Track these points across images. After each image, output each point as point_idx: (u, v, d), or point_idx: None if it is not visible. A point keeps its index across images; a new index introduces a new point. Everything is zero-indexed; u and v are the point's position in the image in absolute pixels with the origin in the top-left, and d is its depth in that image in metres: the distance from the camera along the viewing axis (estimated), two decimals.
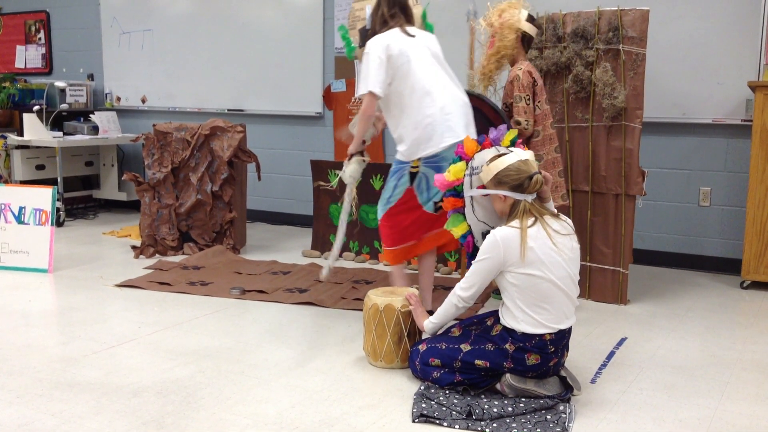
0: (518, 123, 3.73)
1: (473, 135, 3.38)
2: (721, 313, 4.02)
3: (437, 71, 3.44)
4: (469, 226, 3.15)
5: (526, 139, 3.81)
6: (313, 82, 6.28)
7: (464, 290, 2.81)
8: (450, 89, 3.44)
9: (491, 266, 2.71)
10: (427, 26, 3.91)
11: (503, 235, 2.68)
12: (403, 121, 3.44)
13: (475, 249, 3.22)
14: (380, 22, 3.51)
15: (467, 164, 3.08)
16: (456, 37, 5.23)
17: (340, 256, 5.24)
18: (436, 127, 3.38)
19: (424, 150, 3.41)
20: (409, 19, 3.54)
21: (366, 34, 3.62)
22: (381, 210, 3.58)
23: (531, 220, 2.70)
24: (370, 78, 3.37)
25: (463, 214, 3.15)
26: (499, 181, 2.78)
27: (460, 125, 3.41)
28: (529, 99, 3.77)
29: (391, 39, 3.40)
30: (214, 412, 2.65)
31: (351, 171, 3.63)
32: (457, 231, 3.20)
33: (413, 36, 3.45)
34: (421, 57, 3.42)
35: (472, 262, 2.81)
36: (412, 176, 3.49)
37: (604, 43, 4.00)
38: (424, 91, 3.38)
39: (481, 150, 3.10)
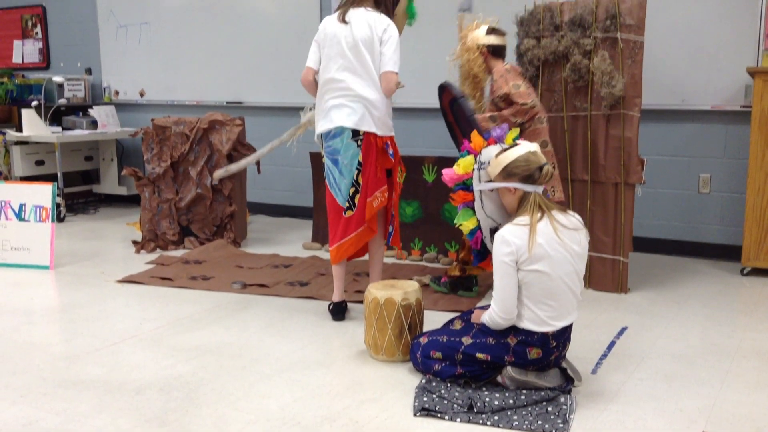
0: (525, 105, 3.75)
1: (366, 128, 3.50)
2: (721, 300, 4.02)
3: (347, 61, 3.49)
4: (479, 221, 3.14)
5: (520, 125, 3.80)
6: None
7: (498, 303, 2.68)
8: (349, 82, 3.49)
9: (510, 265, 2.63)
10: (410, 9, 3.96)
11: (510, 231, 2.66)
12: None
13: (483, 245, 3.22)
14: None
15: (475, 158, 3.07)
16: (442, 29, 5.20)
17: None
18: (321, 113, 3.60)
19: (316, 131, 3.66)
20: (375, 2, 3.57)
21: None
22: None
23: (539, 214, 2.68)
24: (309, 56, 3.64)
25: (473, 209, 3.15)
26: (509, 173, 2.76)
27: (340, 115, 3.51)
28: (527, 85, 3.81)
29: (326, 23, 3.61)
30: (216, 408, 2.66)
31: (311, 114, 3.86)
32: (467, 225, 3.19)
33: (347, 23, 3.51)
34: (338, 44, 3.51)
35: (494, 278, 2.73)
36: (324, 167, 3.69)
37: (601, 31, 3.99)
38: (325, 79, 3.57)
39: (487, 146, 3.10)
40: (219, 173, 3.96)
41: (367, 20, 3.49)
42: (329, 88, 3.54)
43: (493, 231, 3.01)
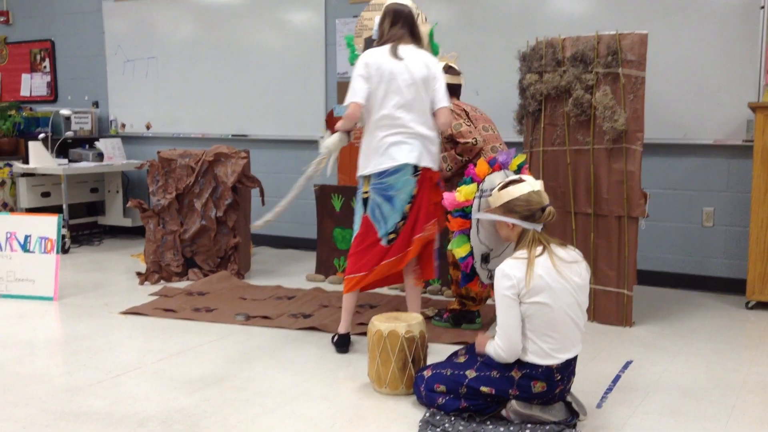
0: (467, 143, 3.87)
1: (425, 164, 3.53)
2: (726, 334, 4.01)
3: (403, 98, 3.48)
4: (472, 247, 3.15)
5: (469, 162, 3.95)
6: (316, 107, 6.33)
7: (502, 338, 2.68)
8: (405, 119, 3.48)
9: (512, 299, 2.63)
10: (432, 46, 3.98)
11: (510, 265, 2.67)
12: (364, 138, 3.60)
13: (473, 270, 3.22)
14: (379, 36, 3.61)
15: (478, 186, 3.08)
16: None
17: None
18: (375, 150, 3.52)
19: (365, 168, 3.57)
20: (414, 37, 3.60)
21: (370, 44, 3.73)
22: (353, 237, 3.70)
23: (539, 249, 2.69)
24: (354, 90, 3.50)
25: (468, 236, 3.15)
26: (509, 209, 2.77)
27: (401, 152, 3.49)
28: (468, 123, 3.97)
29: (374, 57, 3.50)
30: None
31: (329, 142, 3.71)
32: (460, 252, 3.20)
33: (401, 59, 3.49)
34: (394, 81, 3.48)
35: (496, 312, 2.74)
36: (365, 202, 3.59)
37: (603, 66, 4.03)
38: (381, 115, 3.50)
39: (491, 173, 3.11)
40: (259, 224, 3.94)
41: (423, 59, 3.53)
42: (385, 124, 3.49)
43: (485, 256, 3.02)
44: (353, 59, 3.99)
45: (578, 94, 4.08)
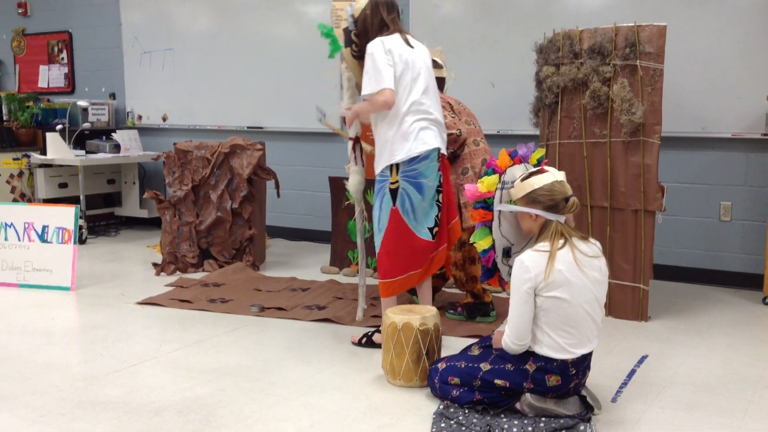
0: (452, 134, 3.87)
1: (443, 150, 3.54)
2: (743, 329, 3.97)
3: (425, 84, 3.47)
4: (494, 240, 3.13)
5: (453, 154, 3.97)
6: (331, 99, 6.31)
7: (512, 329, 2.67)
8: (428, 105, 3.47)
9: (527, 292, 2.62)
10: None
11: (530, 257, 2.65)
12: (388, 129, 3.44)
13: (494, 264, 3.20)
14: (378, 26, 3.52)
15: (500, 178, 3.06)
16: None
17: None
18: (405, 135, 3.41)
19: (395, 156, 3.41)
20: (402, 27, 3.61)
21: (349, 35, 3.65)
22: (377, 239, 3.53)
23: (561, 242, 2.67)
24: (384, 76, 3.36)
25: (490, 228, 3.13)
26: (533, 199, 2.75)
27: (430, 137, 3.45)
28: (453, 115, 3.98)
29: (393, 44, 3.44)
30: (234, 430, 2.66)
31: (354, 183, 3.65)
32: (482, 244, 3.17)
33: (412, 47, 3.50)
34: (415, 68, 3.46)
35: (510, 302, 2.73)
36: (393, 194, 3.45)
37: (621, 59, 4.00)
38: (412, 101, 3.42)
39: (512, 165, 3.09)
40: (359, 317, 4.00)
41: (424, 48, 3.57)
42: (414, 110, 3.42)
43: (506, 250, 3.00)
44: (336, 51, 3.89)
45: (595, 86, 4.05)
